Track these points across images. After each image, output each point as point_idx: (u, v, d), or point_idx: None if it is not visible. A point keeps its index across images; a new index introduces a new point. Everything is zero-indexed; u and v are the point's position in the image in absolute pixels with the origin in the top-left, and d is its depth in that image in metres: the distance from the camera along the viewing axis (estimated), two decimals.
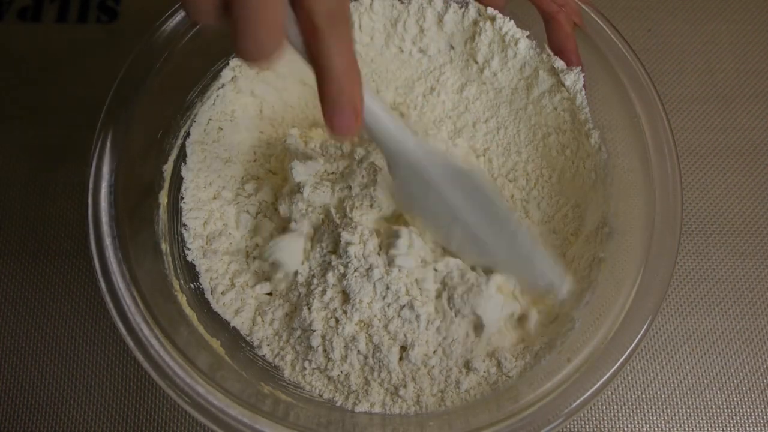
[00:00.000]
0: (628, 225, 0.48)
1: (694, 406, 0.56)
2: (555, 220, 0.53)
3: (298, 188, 0.50)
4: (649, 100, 0.49)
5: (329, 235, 0.49)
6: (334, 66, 0.30)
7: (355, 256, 0.47)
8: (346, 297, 0.48)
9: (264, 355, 0.49)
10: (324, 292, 0.48)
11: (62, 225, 0.60)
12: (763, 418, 0.55)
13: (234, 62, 0.53)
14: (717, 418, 0.55)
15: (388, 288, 0.47)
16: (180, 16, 0.50)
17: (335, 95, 0.31)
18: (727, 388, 0.56)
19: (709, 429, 0.55)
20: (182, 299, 0.48)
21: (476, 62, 0.55)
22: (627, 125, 0.50)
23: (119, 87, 0.48)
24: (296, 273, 0.49)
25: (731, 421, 0.55)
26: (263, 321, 0.50)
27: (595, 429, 0.55)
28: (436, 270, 0.48)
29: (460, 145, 0.54)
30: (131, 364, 0.56)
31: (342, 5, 0.30)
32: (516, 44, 0.53)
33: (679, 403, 0.56)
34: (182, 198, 0.51)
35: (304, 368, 0.48)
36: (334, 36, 0.30)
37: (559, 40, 0.51)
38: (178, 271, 0.50)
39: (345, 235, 0.47)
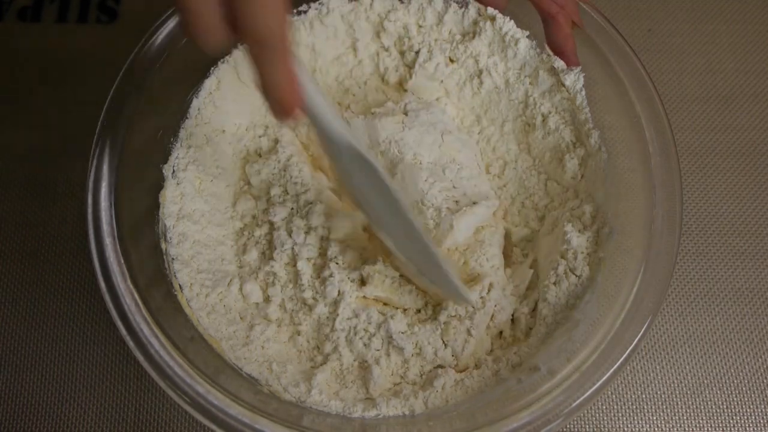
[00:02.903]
0: (628, 225, 0.48)
1: (694, 406, 0.56)
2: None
3: None
4: (649, 100, 0.49)
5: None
6: (274, 81, 0.36)
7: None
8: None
9: None
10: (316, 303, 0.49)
11: (62, 225, 0.60)
12: (763, 418, 0.55)
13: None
14: (717, 418, 0.55)
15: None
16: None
17: (275, 103, 0.38)
18: (727, 388, 0.56)
19: (709, 429, 0.55)
20: (182, 299, 0.48)
21: (476, 62, 0.55)
22: (627, 125, 0.50)
23: (119, 87, 0.48)
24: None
25: (731, 421, 0.55)
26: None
27: (595, 429, 0.55)
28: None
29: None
30: (131, 364, 0.56)
31: (277, 31, 0.35)
32: (516, 44, 0.53)
33: (679, 403, 0.56)
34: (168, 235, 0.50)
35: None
36: (271, 59, 0.36)
37: (558, 40, 0.51)
38: None
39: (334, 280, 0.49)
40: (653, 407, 0.55)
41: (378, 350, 0.48)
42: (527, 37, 0.54)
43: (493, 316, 0.49)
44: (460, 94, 0.56)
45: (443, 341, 0.48)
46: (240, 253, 0.52)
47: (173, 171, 0.51)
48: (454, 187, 0.51)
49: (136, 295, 0.44)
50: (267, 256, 0.51)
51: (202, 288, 0.49)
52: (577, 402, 0.41)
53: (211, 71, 0.53)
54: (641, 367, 0.57)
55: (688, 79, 0.66)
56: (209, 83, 0.53)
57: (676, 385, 0.56)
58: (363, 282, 0.49)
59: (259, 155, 0.55)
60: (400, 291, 0.50)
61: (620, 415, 0.55)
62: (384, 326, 0.48)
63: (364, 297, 0.49)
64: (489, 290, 0.49)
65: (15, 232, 0.60)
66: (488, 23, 0.54)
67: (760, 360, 0.57)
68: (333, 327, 0.48)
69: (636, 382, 0.56)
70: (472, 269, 0.50)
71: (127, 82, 0.48)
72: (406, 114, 0.53)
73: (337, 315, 0.48)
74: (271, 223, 0.51)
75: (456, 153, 0.52)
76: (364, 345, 0.48)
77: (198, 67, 0.53)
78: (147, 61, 0.49)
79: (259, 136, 0.55)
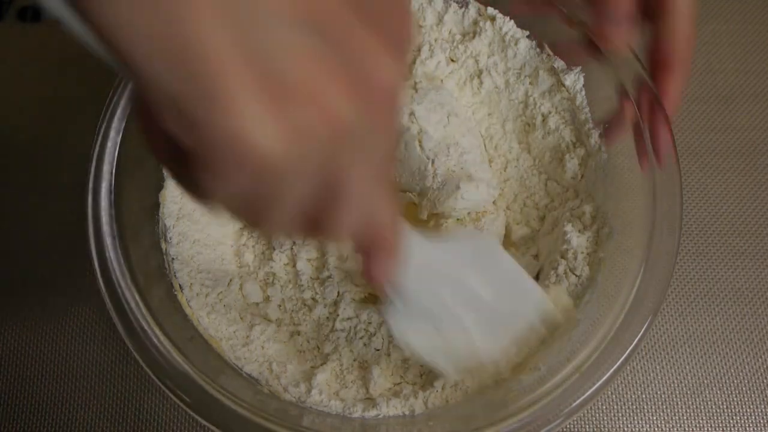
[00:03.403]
0: (628, 225, 0.48)
1: (694, 406, 0.56)
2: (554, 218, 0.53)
3: None
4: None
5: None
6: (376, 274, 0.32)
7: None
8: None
9: None
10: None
11: (62, 225, 0.60)
12: (763, 418, 0.55)
13: None
14: (717, 418, 0.55)
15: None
16: None
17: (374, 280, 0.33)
18: (727, 388, 0.56)
19: (709, 429, 0.55)
20: (182, 299, 0.48)
21: (476, 62, 0.55)
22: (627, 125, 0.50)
23: (119, 86, 0.48)
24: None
25: (731, 421, 0.55)
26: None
27: (595, 429, 0.55)
28: None
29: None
30: (131, 364, 0.56)
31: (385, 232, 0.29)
32: (516, 44, 0.53)
33: (679, 403, 0.56)
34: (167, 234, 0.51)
35: None
36: (378, 262, 0.31)
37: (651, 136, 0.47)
38: None
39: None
40: (653, 407, 0.55)
41: (378, 350, 0.48)
42: (527, 37, 0.54)
43: None
44: (460, 94, 0.56)
45: None
46: (240, 253, 0.52)
47: None
48: (455, 165, 0.51)
49: (136, 295, 0.44)
50: (266, 256, 0.51)
51: (202, 288, 0.49)
52: (577, 402, 0.41)
53: None
54: (641, 367, 0.57)
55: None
56: None
57: (676, 385, 0.56)
58: None
59: None
60: None
61: (620, 415, 0.55)
62: (384, 326, 0.48)
63: (369, 294, 0.49)
64: None
65: (15, 232, 0.60)
66: (488, 23, 0.54)
67: (760, 360, 0.57)
68: (333, 327, 0.48)
69: (636, 382, 0.56)
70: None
71: (127, 82, 0.48)
72: (416, 90, 0.53)
73: (337, 315, 0.48)
74: None
75: (460, 137, 0.52)
76: (364, 345, 0.48)
77: None
78: None
79: None
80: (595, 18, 0.46)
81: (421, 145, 0.51)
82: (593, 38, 0.48)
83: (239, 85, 0.19)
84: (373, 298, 0.50)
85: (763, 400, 0.56)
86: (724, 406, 0.56)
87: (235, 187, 0.21)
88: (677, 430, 0.55)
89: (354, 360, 0.49)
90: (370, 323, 0.48)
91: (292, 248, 0.50)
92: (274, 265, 0.50)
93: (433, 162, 0.51)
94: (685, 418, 0.55)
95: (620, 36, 0.45)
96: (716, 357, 0.57)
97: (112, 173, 0.46)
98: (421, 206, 0.51)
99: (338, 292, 0.48)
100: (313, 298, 0.49)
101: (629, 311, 0.44)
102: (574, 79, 0.52)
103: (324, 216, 0.23)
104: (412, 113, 0.52)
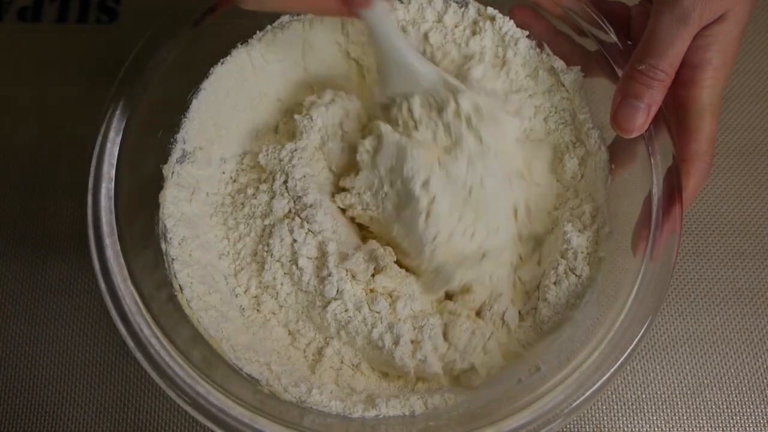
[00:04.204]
0: (628, 225, 0.48)
1: (694, 406, 0.56)
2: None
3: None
4: None
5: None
6: None
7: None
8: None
9: None
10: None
11: (62, 225, 0.60)
12: (763, 418, 0.55)
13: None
14: (717, 418, 0.55)
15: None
16: (179, 15, 0.50)
17: None
18: (727, 388, 0.56)
19: (709, 429, 0.55)
20: (182, 299, 0.48)
21: None
22: None
23: (119, 87, 0.48)
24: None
25: (731, 421, 0.55)
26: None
27: (595, 429, 0.55)
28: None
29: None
30: (131, 364, 0.56)
31: None
32: (516, 44, 0.53)
33: (679, 403, 0.56)
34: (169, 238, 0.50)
35: None
36: None
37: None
38: None
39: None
40: (653, 407, 0.56)
41: (379, 348, 0.48)
42: (527, 36, 0.54)
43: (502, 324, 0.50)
44: None
45: (444, 338, 0.48)
46: (240, 253, 0.52)
47: (173, 171, 0.51)
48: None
49: (136, 296, 0.44)
50: (267, 255, 0.51)
51: (202, 288, 0.49)
52: (577, 402, 0.41)
53: (211, 71, 0.53)
54: (641, 367, 0.57)
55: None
56: (209, 83, 0.53)
57: (676, 385, 0.56)
58: (377, 270, 0.49)
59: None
60: (407, 281, 0.50)
61: (620, 415, 0.55)
62: (384, 324, 0.48)
63: (371, 290, 0.49)
64: (493, 304, 0.49)
65: (15, 232, 0.60)
66: (488, 23, 0.54)
67: (760, 360, 0.57)
68: (333, 325, 0.48)
69: (636, 382, 0.56)
70: (469, 281, 0.50)
71: (127, 82, 0.48)
72: (447, 153, 0.49)
73: (337, 313, 0.48)
74: (272, 222, 0.51)
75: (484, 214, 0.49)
76: (365, 343, 0.48)
77: (198, 66, 0.53)
78: (147, 60, 0.49)
79: (254, 155, 0.55)
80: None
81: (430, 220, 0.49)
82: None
83: None
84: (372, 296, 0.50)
85: (763, 400, 0.56)
86: (724, 406, 0.56)
87: None
88: (677, 430, 0.55)
89: (354, 358, 0.49)
90: (368, 322, 0.48)
91: (293, 246, 0.50)
92: (274, 264, 0.50)
93: (426, 243, 0.48)
94: (685, 418, 0.55)
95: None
96: (716, 357, 0.57)
97: (112, 173, 0.46)
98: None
99: (337, 290, 0.49)
100: (312, 296, 0.49)
101: (629, 311, 0.44)
102: (574, 79, 0.52)
103: None
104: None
